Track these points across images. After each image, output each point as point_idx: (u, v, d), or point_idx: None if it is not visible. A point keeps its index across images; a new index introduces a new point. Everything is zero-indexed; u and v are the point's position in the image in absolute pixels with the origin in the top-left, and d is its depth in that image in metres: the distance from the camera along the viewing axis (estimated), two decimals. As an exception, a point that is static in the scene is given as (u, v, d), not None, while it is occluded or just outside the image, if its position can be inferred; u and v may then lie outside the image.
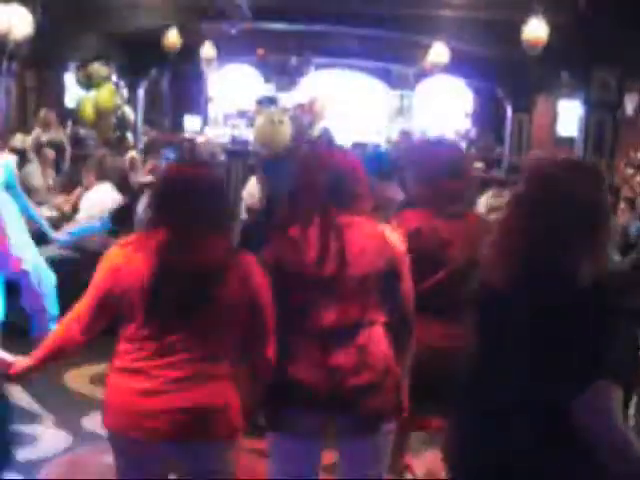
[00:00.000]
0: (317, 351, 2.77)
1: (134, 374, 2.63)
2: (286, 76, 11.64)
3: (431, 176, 3.42)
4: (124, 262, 2.66)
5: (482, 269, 2.29)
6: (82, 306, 2.75)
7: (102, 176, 6.80)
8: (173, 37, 11.03)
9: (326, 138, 10.34)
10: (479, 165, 13.78)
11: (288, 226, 2.83)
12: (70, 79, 11.48)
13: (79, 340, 2.75)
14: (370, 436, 2.84)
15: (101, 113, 10.58)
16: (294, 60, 11.23)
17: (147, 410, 2.60)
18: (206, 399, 2.62)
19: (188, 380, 2.61)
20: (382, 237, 2.84)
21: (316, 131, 9.94)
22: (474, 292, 2.33)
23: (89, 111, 10.44)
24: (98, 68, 10.63)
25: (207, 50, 11.76)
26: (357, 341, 2.77)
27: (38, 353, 2.78)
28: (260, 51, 12.62)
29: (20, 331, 5.43)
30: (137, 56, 12.04)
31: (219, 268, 2.64)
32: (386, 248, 2.82)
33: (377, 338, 2.81)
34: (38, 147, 9.02)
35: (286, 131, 7.09)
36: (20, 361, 2.80)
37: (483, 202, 7.57)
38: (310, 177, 2.85)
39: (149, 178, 8.53)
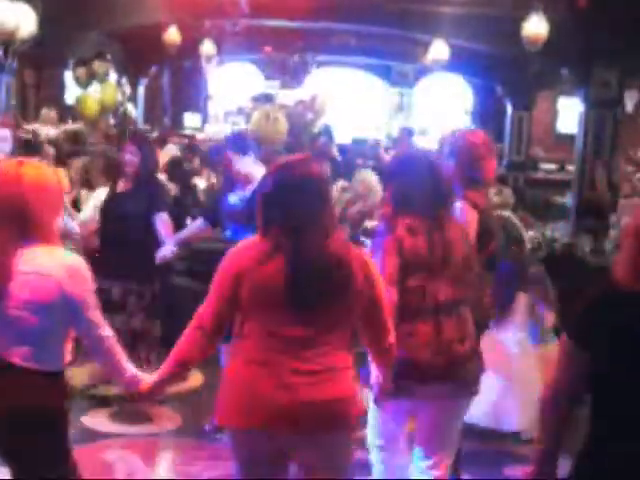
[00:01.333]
0: (431, 326, 3.23)
1: (266, 369, 2.68)
2: (288, 74, 11.63)
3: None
4: (250, 264, 2.70)
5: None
6: (206, 313, 2.77)
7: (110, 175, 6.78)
8: (173, 34, 11.03)
9: (326, 135, 10.35)
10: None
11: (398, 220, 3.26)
12: (70, 76, 11.47)
13: (207, 348, 2.79)
14: (469, 397, 3.41)
15: (104, 110, 10.58)
16: (296, 57, 11.22)
17: (282, 404, 2.65)
18: (337, 391, 2.72)
19: (320, 373, 2.70)
20: (462, 227, 3.47)
21: (316, 128, 9.93)
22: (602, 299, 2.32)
23: (92, 108, 10.43)
24: (99, 65, 10.63)
25: (207, 47, 11.76)
26: (460, 314, 3.32)
27: (166, 367, 2.82)
28: (267, 49, 12.63)
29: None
30: (137, 53, 12.04)
31: (346, 262, 2.72)
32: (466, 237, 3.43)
33: (467, 312, 3.37)
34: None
35: (281, 127, 7.10)
36: (149, 377, 2.88)
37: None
38: (420, 181, 3.30)
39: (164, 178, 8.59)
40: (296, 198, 2.72)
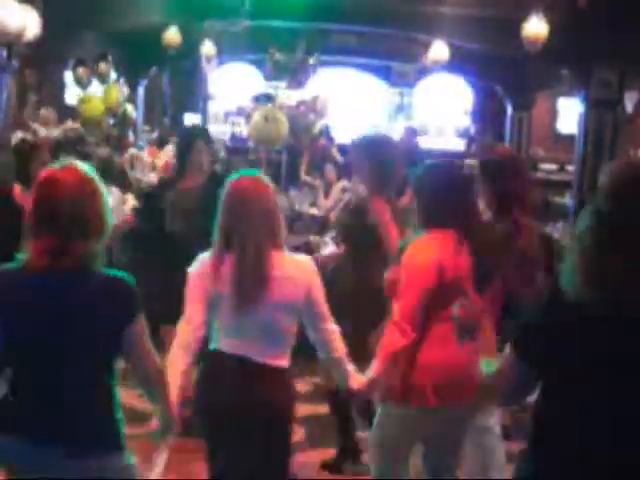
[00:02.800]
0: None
1: (449, 351, 3.19)
2: (290, 75, 11.61)
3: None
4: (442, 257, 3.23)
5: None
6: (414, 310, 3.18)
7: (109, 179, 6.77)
8: (173, 35, 11.03)
9: (326, 135, 10.35)
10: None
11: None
12: (70, 76, 11.47)
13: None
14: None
15: (108, 111, 10.58)
16: (298, 58, 11.21)
17: (460, 380, 3.18)
18: (474, 365, 3.10)
19: (476, 351, 3.16)
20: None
21: (317, 128, 9.93)
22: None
23: (97, 108, 10.42)
24: (104, 66, 10.64)
25: (207, 48, 11.75)
26: None
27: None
28: (272, 50, 12.61)
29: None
30: (137, 54, 12.04)
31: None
32: None
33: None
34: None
35: (282, 128, 7.09)
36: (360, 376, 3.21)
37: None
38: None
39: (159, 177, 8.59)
40: (239, 213, 3.01)
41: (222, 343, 3.02)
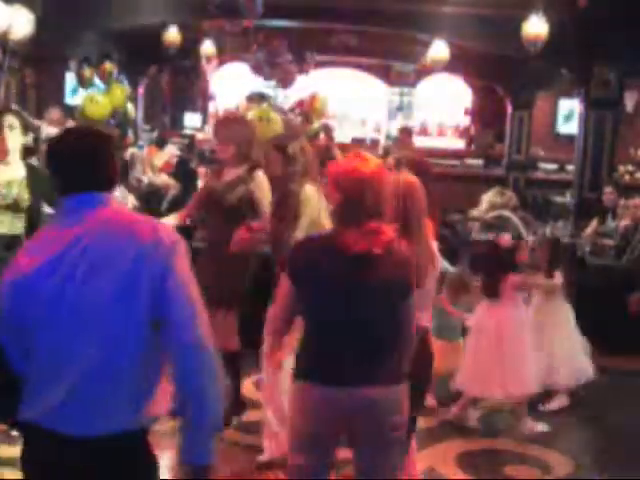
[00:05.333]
0: None
1: None
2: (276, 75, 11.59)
3: None
4: None
5: None
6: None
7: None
8: (173, 34, 11.02)
9: (325, 135, 10.33)
10: (479, 162, 13.83)
11: None
12: (70, 77, 11.47)
13: None
14: None
15: (114, 110, 10.56)
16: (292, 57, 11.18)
17: None
18: None
19: None
20: None
21: (316, 128, 9.92)
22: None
23: (104, 108, 10.40)
24: (109, 66, 10.63)
25: (207, 47, 11.75)
26: None
27: None
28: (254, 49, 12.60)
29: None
30: (137, 53, 12.03)
31: None
32: None
33: None
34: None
35: (275, 128, 7.05)
36: None
37: (486, 199, 7.60)
38: None
39: (165, 178, 8.59)
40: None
41: None
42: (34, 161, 8.74)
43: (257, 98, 9.36)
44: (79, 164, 2.33)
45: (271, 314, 3.32)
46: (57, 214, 2.38)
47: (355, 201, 2.99)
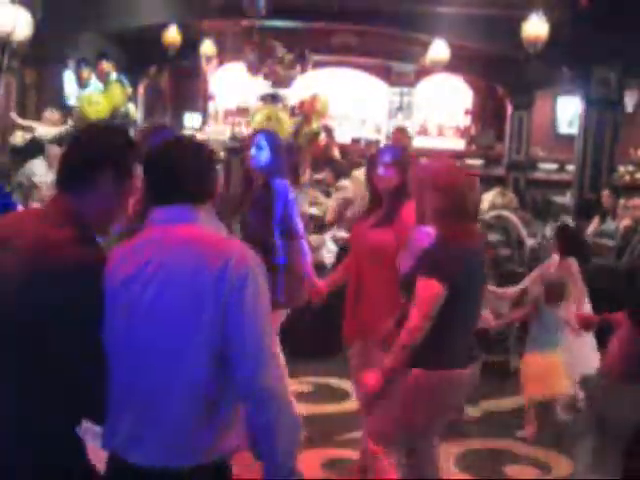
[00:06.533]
0: None
1: None
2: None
3: None
4: None
5: None
6: None
7: None
8: (173, 34, 11.03)
9: (326, 135, 10.34)
10: (479, 162, 13.83)
11: None
12: (69, 76, 11.46)
13: None
14: None
15: (113, 110, 10.56)
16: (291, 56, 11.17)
17: None
18: None
19: None
20: None
21: (316, 128, 9.92)
22: None
23: (104, 108, 10.40)
24: (108, 65, 10.62)
25: (207, 47, 11.75)
26: None
27: None
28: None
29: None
30: (137, 53, 12.04)
31: None
32: None
33: None
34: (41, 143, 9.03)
35: (283, 128, 7.08)
36: None
37: (487, 199, 7.59)
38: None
39: None
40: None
41: None
42: (38, 161, 8.77)
43: (269, 99, 9.39)
44: (174, 175, 2.25)
45: (415, 325, 3.20)
46: (146, 224, 2.28)
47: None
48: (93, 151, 2.29)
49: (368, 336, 4.01)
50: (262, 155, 5.01)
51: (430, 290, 3.26)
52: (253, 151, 5.03)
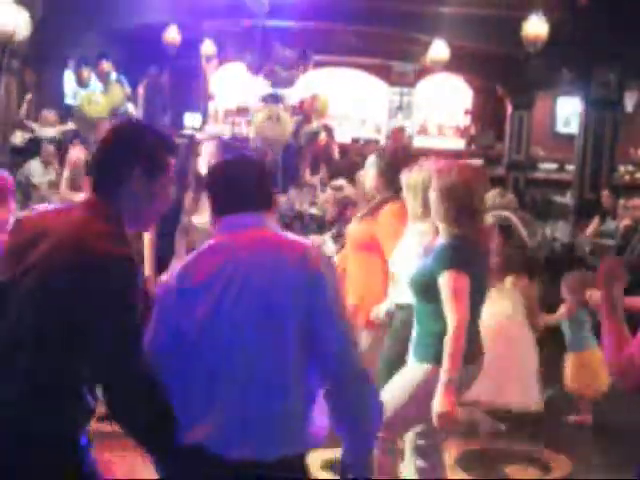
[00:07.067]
0: None
1: None
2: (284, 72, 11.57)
3: None
4: None
5: None
6: None
7: None
8: (173, 34, 11.03)
9: (327, 135, 10.34)
10: (479, 162, 13.83)
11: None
12: (69, 76, 11.47)
13: None
14: None
15: (113, 110, 10.56)
16: (291, 55, 11.16)
17: None
18: None
19: None
20: None
21: (315, 128, 9.93)
22: None
23: (103, 108, 10.40)
24: (107, 65, 10.63)
25: (207, 47, 11.75)
26: None
27: None
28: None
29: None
30: (137, 53, 12.04)
31: None
32: None
33: None
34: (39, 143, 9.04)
35: (287, 127, 7.09)
36: None
37: (487, 200, 7.58)
38: None
39: None
40: None
41: None
42: (35, 162, 8.77)
43: (270, 99, 9.40)
44: (242, 186, 2.39)
45: (461, 317, 3.26)
46: (216, 231, 2.39)
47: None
48: (123, 149, 2.30)
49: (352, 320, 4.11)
50: None
51: (462, 283, 3.35)
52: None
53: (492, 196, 7.55)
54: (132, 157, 2.27)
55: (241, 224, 2.35)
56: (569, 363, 5.70)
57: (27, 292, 2.14)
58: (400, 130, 12.19)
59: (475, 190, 3.48)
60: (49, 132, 9.58)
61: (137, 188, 2.26)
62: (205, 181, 2.53)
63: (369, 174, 4.56)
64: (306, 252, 2.28)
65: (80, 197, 7.06)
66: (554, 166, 13.37)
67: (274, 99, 9.33)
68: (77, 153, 7.47)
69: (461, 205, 3.42)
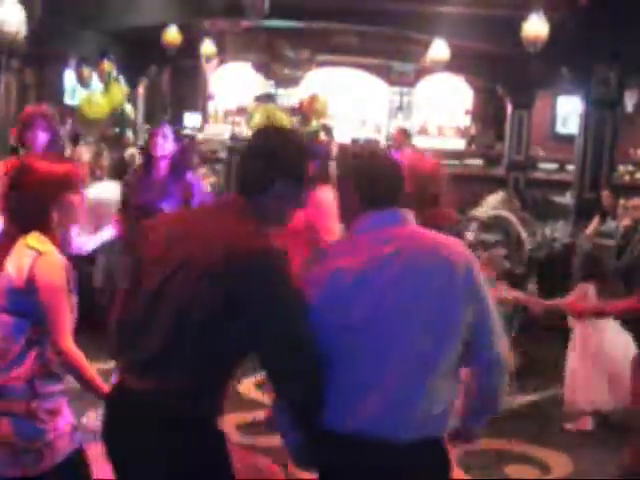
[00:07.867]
0: None
1: None
2: (286, 72, 11.60)
3: None
4: None
5: None
6: None
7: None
8: (173, 34, 11.03)
9: (326, 135, 10.34)
10: (479, 162, 13.83)
11: None
12: (70, 76, 11.47)
13: None
14: None
15: (112, 110, 10.57)
16: (293, 55, 11.20)
17: None
18: None
19: None
20: None
21: (315, 128, 9.93)
22: None
23: (103, 108, 10.41)
24: (108, 65, 10.63)
25: (207, 47, 11.76)
26: None
27: None
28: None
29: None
30: (137, 53, 12.04)
31: None
32: None
33: None
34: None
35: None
36: None
37: (490, 203, 7.57)
38: None
39: None
40: None
41: None
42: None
43: (265, 98, 9.42)
44: (390, 183, 2.48)
45: None
46: (359, 226, 2.46)
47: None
48: (268, 159, 2.43)
49: None
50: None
51: None
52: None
53: (497, 201, 7.54)
54: (277, 166, 2.41)
55: (390, 220, 2.43)
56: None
57: (186, 289, 2.28)
58: (402, 131, 12.18)
59: (428, 178, 3.49)
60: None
61: (281, 192, 2.41)
62: (340, 176, 2.61)
63: None
64: (456, 248, 2.41)
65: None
66: (554, 166, 13.36)
67: (268, 98, 9.34)
68: (82, 152, 7.48)
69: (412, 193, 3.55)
